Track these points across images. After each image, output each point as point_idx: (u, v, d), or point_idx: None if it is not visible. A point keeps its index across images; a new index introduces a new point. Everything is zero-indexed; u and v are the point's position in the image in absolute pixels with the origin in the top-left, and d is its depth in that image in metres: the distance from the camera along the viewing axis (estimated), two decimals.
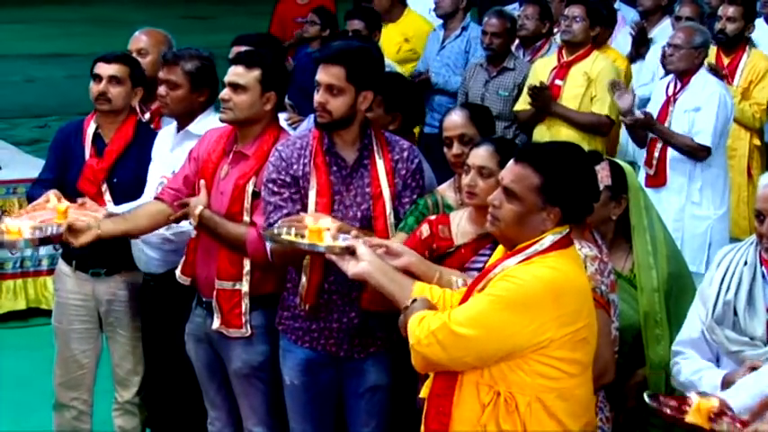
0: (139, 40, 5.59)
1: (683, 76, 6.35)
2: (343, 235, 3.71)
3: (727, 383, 3.54)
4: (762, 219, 3.60)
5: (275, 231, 3.82)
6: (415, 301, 3.42)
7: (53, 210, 4.44)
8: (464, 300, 3.39)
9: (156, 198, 4.59)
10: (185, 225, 4.62)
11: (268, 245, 4.20)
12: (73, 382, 5.21)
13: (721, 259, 3.74)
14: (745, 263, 3.66)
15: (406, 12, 8.72)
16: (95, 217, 4.38)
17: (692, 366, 3.71)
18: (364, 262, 3.54)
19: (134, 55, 5.49)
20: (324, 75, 4.16)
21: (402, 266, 3.65)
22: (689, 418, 3.15)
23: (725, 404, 3.19)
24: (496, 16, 7.29)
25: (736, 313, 3.63)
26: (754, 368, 3.45)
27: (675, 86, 6.40)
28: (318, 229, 3.64)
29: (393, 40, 8.34)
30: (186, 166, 4.58)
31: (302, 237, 3.71)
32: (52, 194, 4.56)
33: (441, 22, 8.27)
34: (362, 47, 4.42)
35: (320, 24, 8.23)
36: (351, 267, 3.57)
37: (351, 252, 3.58)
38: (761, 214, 3.60)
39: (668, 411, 3.21)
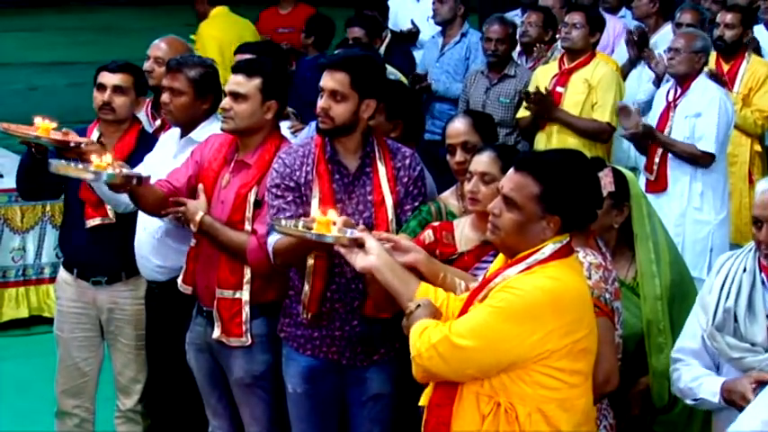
0: (158, 48, 5.58)
1: (683, 82, 6.34)
2: (349, 230, 3.65)
3: (726, 391, 3.55)
4: (760, 225, 3.60)
5: (283, 223, 3.77)
6: (419, 306, 3.38)
7: (35, 127, 4.61)
8: (464, 309, 3.37)
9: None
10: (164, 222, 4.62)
11: (270, 245, 4.17)
12: (75, 389, 5.22)
13: (720, 266, 3.74)
14: (744, 269, 3.66)
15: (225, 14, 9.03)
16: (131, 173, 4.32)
17: (691, 373, 3.71)
18: (372, 256, 3.47)
19: (151, 62, 5.50)
20: (328, 80, 4.16)
21: (409, 263, 3.61)
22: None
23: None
24: (498, 23, 7.29)
25: (736, 320, 3.63)
26: (759, 381, 3.43)
27: (675, 92, 6.40)
28: (327, 221, 3.58)
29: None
30: (189, 165, 4.55)
31: (309, 230, 3.66)
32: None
33: (439, 29, 8.28)
34: (367, 55, 4.43)
35: (315, 35, 8.17)
36: (359, 260, 3.50)
37: (359, 245, 3.51)
38: (759, 221, 3.60)
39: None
